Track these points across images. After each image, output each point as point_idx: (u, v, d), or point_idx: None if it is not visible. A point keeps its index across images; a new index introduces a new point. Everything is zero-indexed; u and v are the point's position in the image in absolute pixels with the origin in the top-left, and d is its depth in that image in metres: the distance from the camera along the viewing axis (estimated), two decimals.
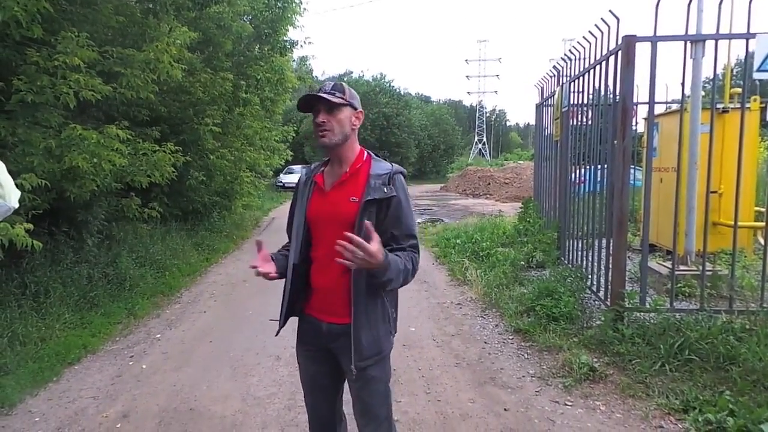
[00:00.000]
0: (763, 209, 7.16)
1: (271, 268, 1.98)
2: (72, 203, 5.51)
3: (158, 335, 5.18)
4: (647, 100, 4.75)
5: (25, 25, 4.42)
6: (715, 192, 5.74)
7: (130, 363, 4.47)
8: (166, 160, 6.31)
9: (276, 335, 2.13)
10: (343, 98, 1.94)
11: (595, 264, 5.30)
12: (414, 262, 1.96)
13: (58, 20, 5.16)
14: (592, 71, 5.49)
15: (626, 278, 4.81)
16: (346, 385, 2.16)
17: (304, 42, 11.87)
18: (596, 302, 5.25)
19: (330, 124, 1.93)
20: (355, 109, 2.00)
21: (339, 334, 1.99)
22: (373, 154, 2.09)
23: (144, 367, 4.37)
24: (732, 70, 6.77)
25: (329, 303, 2.01)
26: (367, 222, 1.81)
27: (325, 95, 1.92)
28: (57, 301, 5.23)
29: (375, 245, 1.75)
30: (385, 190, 1.94)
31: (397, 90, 43.02)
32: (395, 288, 1.97)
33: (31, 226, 4.18)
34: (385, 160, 2.09)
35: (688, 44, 4.65)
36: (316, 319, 2.04)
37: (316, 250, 2.03)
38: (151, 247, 7.71)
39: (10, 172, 2.11)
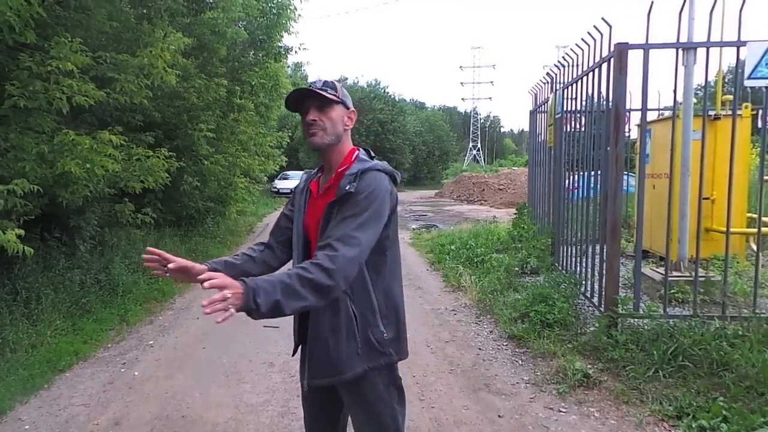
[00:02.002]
0: (755, 215, 7.21)
1: (180, 274, 1.77)
2: (64, 209, 5.48)
3: (151, 342, 5.15)
4: (640, 106, 4.78)
5: (18, 31, 4.40)
6: (707, 198, 5.78)
7: (123, 370, 4.43)
8: (160, 166, 6.29)
9: (293, 355, 1.99)
10: (335, 95, 1.79)
11: (589, 270, 5.31)
12: (319, 266, 1.54)
13: (52, 25, 5.14)
14: (585, 78, 5.53)
15: (620, 284, 4.82)
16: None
17: (299, 48, 11.89)
18: (590, 308, 5.26)
19: (321, 123, 1.77)
20: (348, 108, 1.85)
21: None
22: (363, 153, 1.87)
23: (136, 374, 4.34)
24: (724, 78, 6.82)
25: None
26: (204, 274, 1.49)
27: (318, 88, 1.76)
28: (48, 307, 5.18)
29: (223, 283, 1.43)
30: (347, 188, 1.69)
31: (392, 96, 43.21)
32: (302, 308, 1.55)
33: (22, 231, 4.15)
34: (372, 158, 1.89)
35: (680, 52, 4.68)
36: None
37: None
38: (144, 253, 7.64)
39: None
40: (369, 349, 1.79)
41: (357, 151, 1.87)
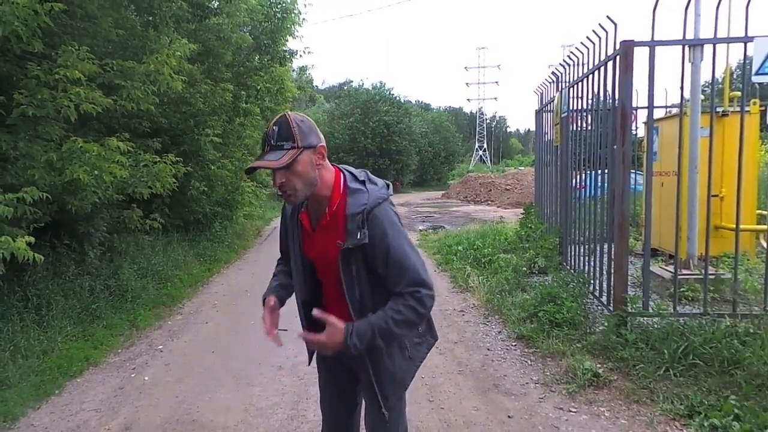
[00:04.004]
0: (765, 212, 7.15)
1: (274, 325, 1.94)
2: (73, 216, 5.52)
3: (160, 347, 5.17)
4: (647, 104, 4.76)
5: (26, 40, 4.45)
6: (716, 195, 5.73)
7: (133, 375, 4.45)
8: (167, 171, 6.33)
9: (308, 365, 2.14)
10: (294, 146, 1.64)
11: (598, 269, 5.29)
12: (411, 309, 1.70)
13: (59, 34, 5.19)
14: (590, 76, 5.51)
15: (629, 283, 4.79)
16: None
17: (304, 52, 11.97)
18: (599, 307, 5.23)
19: (290, 183, 1.67)
20: (314, 146, 1.69)
21: (353, 356, 1.86)
22: (350, 181, 1.79)
23: (146, 378, 4.36)
24: (732, 74, 6.78)
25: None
26: (315, 312, 1.71)
27: (270, 161, 1.63)
28: (59, 313, 5.23)
29: (326, 333, 1.69)
30: (359, 236, 1.69)
31: (397, 98, 43.08)
32: (398, 340, 1.85)
33: (32, 239, 4.18)
34: (363, 182, 1.80)
35: (687, 48, 4.66)
36: None
37: (324, 286, 1.95)
38: (152, 258, 7.71)
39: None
40: (413, 347, 1.95)
41: (342, 177, 1.80)
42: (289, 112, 1.72)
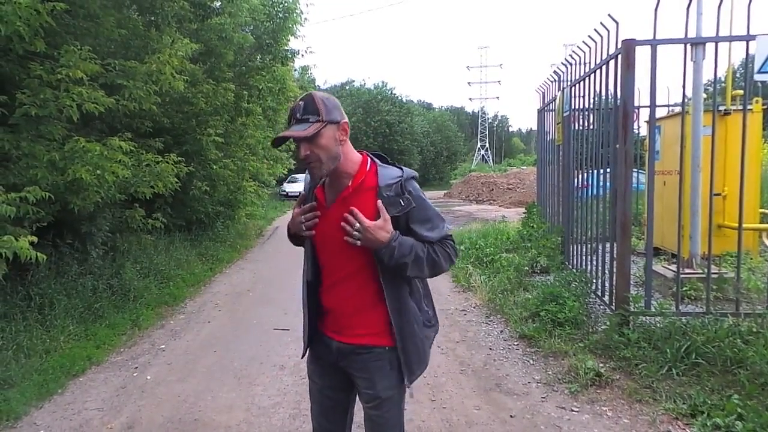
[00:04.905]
0: (767, 211, 7.14)
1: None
2: (76, 215, 5.53)
3: (162, 346, 5.18)
4: (648, 103, 4.75)
5: (28, 39, 4.46)
6: (718, 194, 5.72)
7: (135, 374, 4.46)
8: (170, 171, 6.33)
9: (302, 357, 2.09)
10: (318, 119, 1.71)
11: (600, 268, 5.28)
12: (444, 253, 1.86)
13: (61, 34, 5.20)
14: (592, 75, 5.50)
15: (631, 282, 4.78)
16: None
17: (306, 51, 11.97)
18: (601, 307, 5.23)
19: (314, 155, 1.73)
20: (338, 122, 1.76)
21: (348, 353, 1.92)
22: (378, 161, 1.89)
23: (149, 378, 4.37)
24: (735, 72, 6.76)
25: (338, 323, 1.93)
26: (379, 201, 1.75)
27: (296, 131, 1.70)
28: (62, 313, 5.24)
29: (377, 222, 1.72)
30: (402, 203, 1.79)
31: (399, 97, 43.15)
32: (417, 276, 1.88)
33: (35, 238, 4.19)
34: (392, 164, 1.91)
35: (688, 47, 4.65)
36: (327, 337, 1.97)
37: (323, 271, 1.93)
38: (155, 257, 7.72)
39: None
40: (427, 329, 2.00)
41: (368, 158, 1.88)
42: (315, 91, 1.82)
